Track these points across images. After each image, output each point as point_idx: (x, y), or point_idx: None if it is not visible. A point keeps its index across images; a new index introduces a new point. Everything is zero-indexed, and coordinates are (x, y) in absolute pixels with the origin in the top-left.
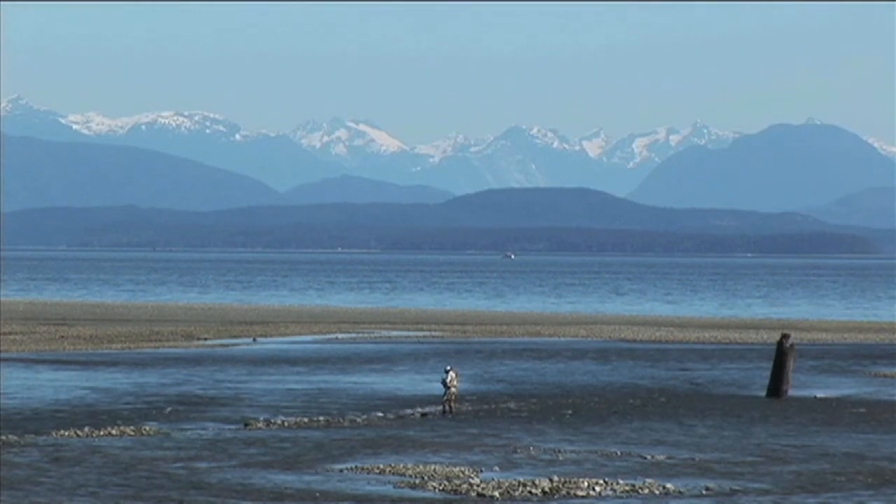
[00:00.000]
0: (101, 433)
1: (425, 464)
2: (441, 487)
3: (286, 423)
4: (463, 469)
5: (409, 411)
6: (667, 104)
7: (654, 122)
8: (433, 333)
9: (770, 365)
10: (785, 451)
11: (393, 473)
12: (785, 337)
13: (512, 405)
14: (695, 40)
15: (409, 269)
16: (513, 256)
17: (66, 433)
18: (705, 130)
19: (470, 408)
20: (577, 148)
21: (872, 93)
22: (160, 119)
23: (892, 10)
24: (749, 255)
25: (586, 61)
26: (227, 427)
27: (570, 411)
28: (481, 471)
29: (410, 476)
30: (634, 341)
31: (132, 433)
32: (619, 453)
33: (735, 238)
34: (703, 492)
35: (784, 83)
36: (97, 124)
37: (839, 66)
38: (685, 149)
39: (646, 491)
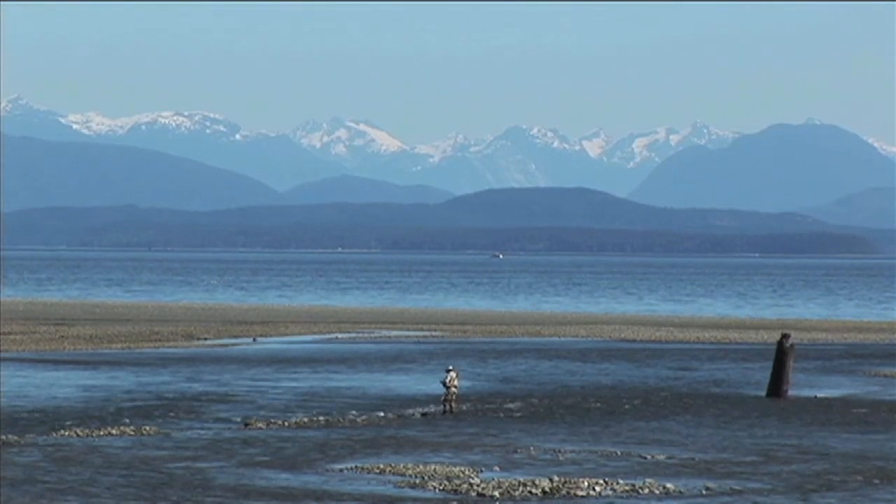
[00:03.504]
0: (101, 433)
1: (425, 464)
2: (441, 487)
3: (286, 423)
4: (463, 469)
5: (409, 411)
6: (667, 104)
7: (654, 122)
8: (433, 333)
9: (770, 365)
10: (785, 451)
11: (393, 473)
12: (785, 337)
13: (512, 405)
14: (695, 40)
15: (393, 271)
16: (501, 256)
17: (66, 433)
18: (705, 130)
19: (470, 408)
20: (577, 148)
21: (872, 93)
22: (160, 119)
23: (892, 10)
24: (756, 255)
25: (586, 61)
26: (227, 427)
27: (570, 411)
28: (481, 471)
29: (410, 476)
30: (634, 341)
31: (132, 433)
32: (619, 453)
33: (735, 238)
34: (703, 492)
35: (784, 83)
36: (97, 124)
37: (839, 66)
38: (685, 149)
39: (646, 491)
